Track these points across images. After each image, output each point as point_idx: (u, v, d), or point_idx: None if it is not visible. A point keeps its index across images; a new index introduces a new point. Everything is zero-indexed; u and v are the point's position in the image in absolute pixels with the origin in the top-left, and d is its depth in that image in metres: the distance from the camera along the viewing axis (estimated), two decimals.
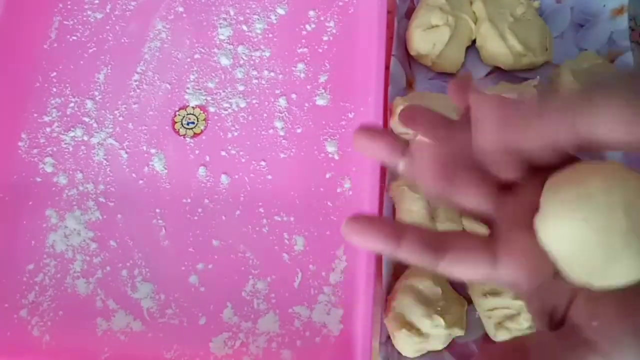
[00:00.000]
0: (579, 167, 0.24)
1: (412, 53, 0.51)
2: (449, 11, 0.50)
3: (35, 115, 0.54)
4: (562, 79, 0.47)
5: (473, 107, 0.26)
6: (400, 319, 0.42)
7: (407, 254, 0.27)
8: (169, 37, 0.56)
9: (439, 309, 0.42)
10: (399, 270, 0.45)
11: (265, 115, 0.52)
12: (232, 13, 0.56)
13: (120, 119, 0.53)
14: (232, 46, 0.55)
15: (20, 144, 0.53)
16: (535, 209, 0.25)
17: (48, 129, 0.53)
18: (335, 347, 0.45)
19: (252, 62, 0.54)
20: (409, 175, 0.29)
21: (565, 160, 0.25)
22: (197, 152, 0.52)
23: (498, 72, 0.51)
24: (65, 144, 0.53)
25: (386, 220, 0.30)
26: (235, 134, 0.52)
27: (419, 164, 0.28)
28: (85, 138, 0.53)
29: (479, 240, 0.26)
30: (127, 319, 0.47)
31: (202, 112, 0.53)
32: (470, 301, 0.44)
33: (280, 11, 0.56)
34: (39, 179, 0.52)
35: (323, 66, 0.54)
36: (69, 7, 0.58)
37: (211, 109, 0.53)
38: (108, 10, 0.57)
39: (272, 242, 0.48)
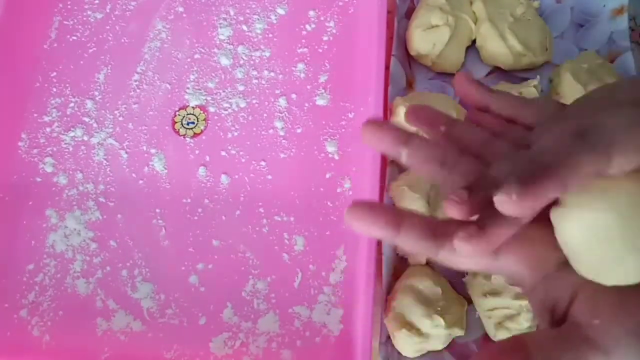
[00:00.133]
0: None
1: (412, 53, 0.51)
2: (449, 11, 0.50)
3: (35, 115, 0.54)
4: (562, 79, 0.47)
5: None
6: (400, 319, 0.42)
7: (407, 239, 0.27)
8: (169, 37, 0.56)
9: (439, 309, 0.42)
10: (399, 270, 0.45)
11: (265, 115, 0.52)
12: (232, 13, 0.56)
13: (120, 119, 0.53)
14: (232, 46, 0.55)
15: (20, 144, 0.53)
16: None
17: (48, 129, 0.53)
18: (335, 347, 0.45)
19: (252, 62, 0.54)
20: (410, 166, 0.30)
21: None
22: (197, 152, 0.52)
23: (498, 72, 0.51)
24: (65, 144, 0.53)
25: (387, 206, 0.30)
26: (235, 134, 0.52)
27: (418, 155, 0.29)
28: (85, 138, 0.53)
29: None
30: (127, 319, 0.47)
31: (202, 112, 0.53)
32: (470, 301, 0.44)
33: (280, 11, 0.56)
34: (39, 179, 0.52)
35: (323, 66, 0.54)
36: (69, 7, 0.58)
37: (211, 109, 0.53)
38: (108, 10, 0.57)
39: (272, 242, 0.48)
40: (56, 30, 0.57)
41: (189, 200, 0.50)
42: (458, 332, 0.42)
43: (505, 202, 0.23)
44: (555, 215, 0.25)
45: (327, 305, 0.46)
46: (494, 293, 0.42)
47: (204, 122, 0.53)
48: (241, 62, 0.54)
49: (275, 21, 0.56)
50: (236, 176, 0.51)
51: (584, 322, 0.24)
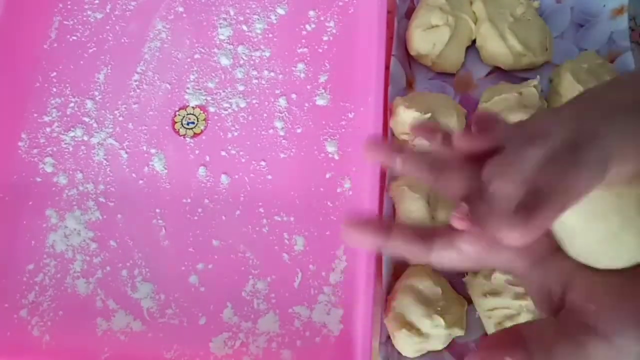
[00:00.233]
0: None
1: (412, 53, 0.51)
2: (449, 11, 0.50)
3: (35, 115, 0.54)
4: (562, 79, 0.47)
5: None
6: (400, 319, 0.42)
7: (397, 243, 0.28)
8: (169, 37, 0.56)
9: (439, 309, 0.42)
10: (399, 270, 0.45)
11: (265, 115, 0.52)
12: (232, 13, 0.56)
13: (120, 119, 0.53)
14: (232, 46, 0.55)
15: (20, 144, 0.53)
16: None
17: (48, 129, 0.53)
18: (335, 347, 0.45)
19: (252, 62, 0.54)
20: (404, 172, 0.32)
21: None
22: (197, 152, 0.52)
23: (498, 72, 0.51)
24: (65, 144, 0.53)
25: (379, 219, 0.31)
26: (235, 134, 0.52)
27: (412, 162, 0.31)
28: (85, 138, 0.53)
29: None
30: (127, 319, 0.47)
31: (202, 112, 0.53)
32: (470, 301, 0.44)
33: (280, 11, 0.56)
34: (39, 179, 0.52)
35: (323, 66, 0.54)
36: (69, 7, 0.58)
37: (211, 109, 0.53)
38: (108, 10, 0.57)
39: (272, 242, 0.48)
40: (56, 30, 0.57)
41: (189, 200, 0.50)
42: (458, 332, 0.42)
43: (509, 238, 0.24)
44: None
45: (327, 305, 0.46)
46: (494, 293, 0.42)
47: (204, 122, 0.53)
48: (241, 62, 0.54)
49: (275, 21, 0.56)
50: (236, 176, 0.51)
51: (579, 308, 0.24)
